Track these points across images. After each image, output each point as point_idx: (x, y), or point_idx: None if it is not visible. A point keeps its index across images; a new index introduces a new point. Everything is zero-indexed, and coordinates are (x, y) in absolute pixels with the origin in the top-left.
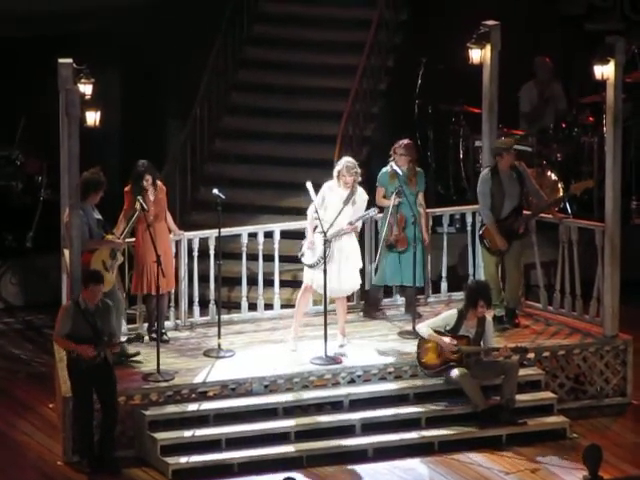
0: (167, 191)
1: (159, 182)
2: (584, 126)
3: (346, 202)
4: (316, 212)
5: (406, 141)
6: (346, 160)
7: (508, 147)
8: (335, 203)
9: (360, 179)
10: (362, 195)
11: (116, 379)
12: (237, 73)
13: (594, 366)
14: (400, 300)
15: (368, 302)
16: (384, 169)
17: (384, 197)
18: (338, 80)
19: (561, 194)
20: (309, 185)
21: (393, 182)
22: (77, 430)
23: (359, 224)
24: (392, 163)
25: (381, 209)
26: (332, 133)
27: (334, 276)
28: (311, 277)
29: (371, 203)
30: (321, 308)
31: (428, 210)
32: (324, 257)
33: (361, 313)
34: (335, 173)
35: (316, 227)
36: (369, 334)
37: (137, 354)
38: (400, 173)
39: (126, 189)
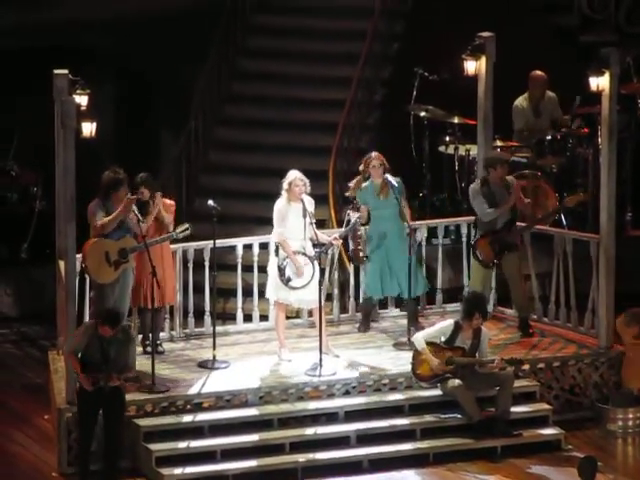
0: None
1: (165, 199)
2: (579, 137)
3: (304, 215)
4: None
5: (375, 152)
6: (295, 172)
7: (503, 160)
8: (294, 220)
9: (309, 190)
10: (310, 200)
11: (124, 409)
12: (231, 84)
13: (589, 377)
14: (395, 311)
15: (362, 314)
16: (363, 185)
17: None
18: (333, 91)
19: (553, 207)
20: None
21: (375, 195)
22: (77, 444)
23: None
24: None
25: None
26: (327, 144)
27: (307, 288)
28: (281, 295)
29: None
30: (315, 319)
31: (424, 221)
32: (320, 274)
33: (357, 325)
34: (286, 186)
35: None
36: (364, 345)
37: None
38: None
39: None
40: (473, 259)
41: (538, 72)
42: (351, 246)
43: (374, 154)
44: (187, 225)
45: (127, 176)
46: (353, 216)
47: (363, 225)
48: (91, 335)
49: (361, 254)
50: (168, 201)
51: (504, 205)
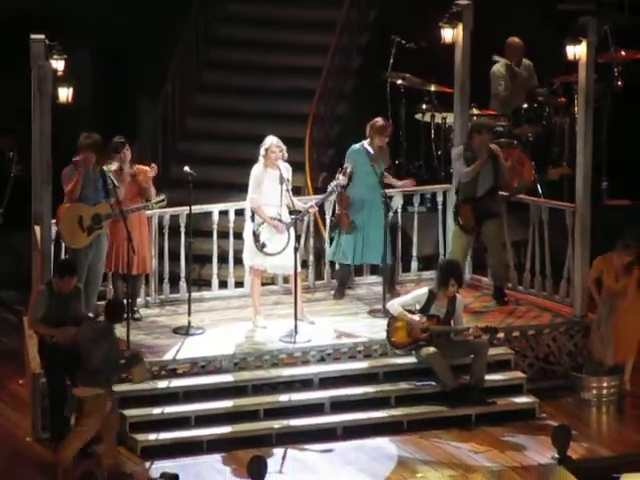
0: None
1: (141, 166)
2: (555, 106)
3: (280, 182)
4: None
5: (387, 123)
6: (272, 137)
7: (489, 126)
8: (270, 186)
9: (286, 156)
10: (288, 167)
11: None
12: (209, 51)
13: (564, 346)
14: (370, 278)
15: (338, 281)
16: (356, 146)
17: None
18: (310, 58)
19: (529, 175)
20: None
21: (366, 161)
22: (49, 409)
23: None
24: (365, 143)
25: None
26: (304, 111)
27: (283, 254)
28: (257, 261)
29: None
30: (291, 286)
31: (400, 189)
32: (295, 241)
33: (332, 291)
34: (262, 152)
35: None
36: (339, 312)
37: None
38: (372, 153)
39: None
40: (455, 225)
41: (515, 38)
42: (337, 210)
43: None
44: (163, 196)
45: (101, 139)
46: (332, 184)
47: (343, 187)
48: (48, 297)
49: (347, 219)
50: (143, 167)
51: (478, 161)
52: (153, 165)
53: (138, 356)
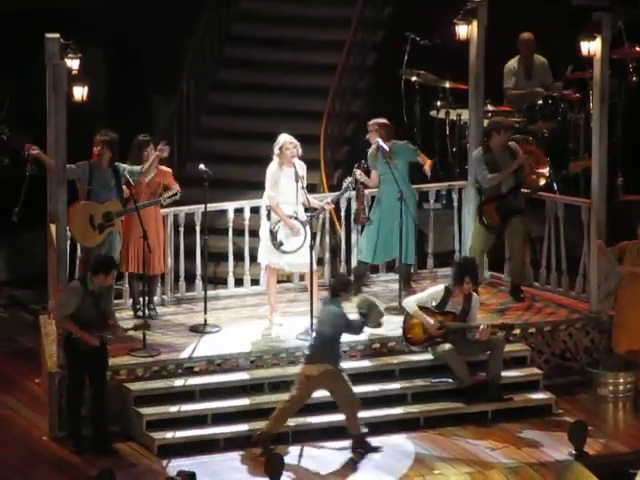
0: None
1: (162, 167)
2: (570, 102)
3: (296, 179)
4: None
5: (380, 120)
6: (285, 135)
7: (508, 126)
8: (286, 184)
9: (300, 152)
10: (302, 165)
11: (107, 362)
12: (223, 48)
13: (580, 342)
14: (386, 275)
15: (353, 278)
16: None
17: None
18: (325, 56)
19: (545, 174)
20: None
21: (376, 160)
22: (66, 407)
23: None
24: (368, 138)
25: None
26: (319, 109)
27: (299, 252)
28: (273, 259)
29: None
30: (307, 283)
31: (415, 186)
32: (311, 239)
33: None
34: (277, 150)
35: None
36: (355, 310)
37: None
38: (387, 150)
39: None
40: (477, 223)
41: (526, 34)
42: (355, 206)
43: (371, 121)
44: (175, 190)
45: (117, 138)
46: (346, 180)
47: (366, 187)
48: (82, 294)
49: (362, 215)
50: (165, 168)
51: (505, 170)
52: (161, 147)
53: (370, 302)
